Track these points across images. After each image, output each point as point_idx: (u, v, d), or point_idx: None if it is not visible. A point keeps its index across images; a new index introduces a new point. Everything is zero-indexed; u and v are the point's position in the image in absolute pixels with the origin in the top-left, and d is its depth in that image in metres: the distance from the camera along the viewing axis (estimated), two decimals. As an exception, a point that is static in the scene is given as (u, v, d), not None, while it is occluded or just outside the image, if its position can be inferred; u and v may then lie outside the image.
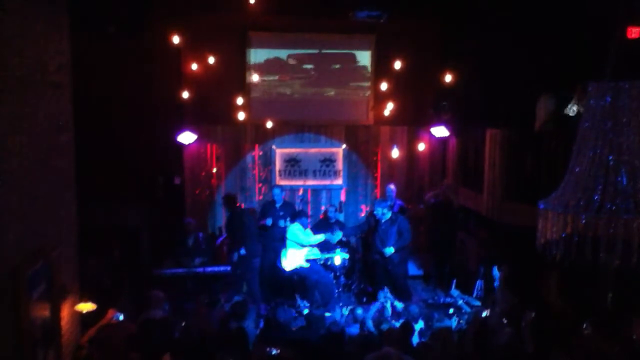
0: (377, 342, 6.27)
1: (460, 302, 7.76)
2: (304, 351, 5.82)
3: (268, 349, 5.16)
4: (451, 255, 9.24)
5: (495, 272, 7.33)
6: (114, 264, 7.44)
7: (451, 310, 7.80)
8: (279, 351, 5.10)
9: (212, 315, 6.53)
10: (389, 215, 8.37)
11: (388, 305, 7.79)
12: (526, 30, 7.96)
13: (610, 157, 4.09)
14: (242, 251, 8.17)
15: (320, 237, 8.57)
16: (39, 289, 4.56)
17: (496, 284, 7.24)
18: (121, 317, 5.87)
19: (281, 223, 8.68)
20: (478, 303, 7.89)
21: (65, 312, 5.20)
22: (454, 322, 7.27)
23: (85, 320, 5.76)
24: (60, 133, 5.16)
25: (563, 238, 4.08)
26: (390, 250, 8.28)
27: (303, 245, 8.48)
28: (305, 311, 7.62)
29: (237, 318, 6.42)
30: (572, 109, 6.82)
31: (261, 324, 7.41)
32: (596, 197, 3.96)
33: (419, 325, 6.96)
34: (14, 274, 4.09)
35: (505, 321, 6.05)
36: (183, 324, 6.37)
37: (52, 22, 5.01)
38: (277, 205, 8.89)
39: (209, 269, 8.22)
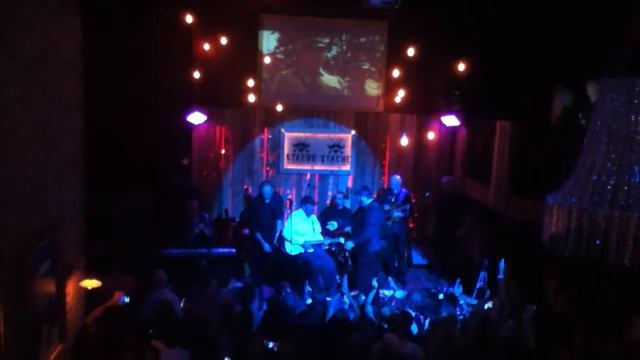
0: (377, 328, 6.31)
1: (462, 301, 7.76)
2: (307, 337, 5.87)
3: (266, 342, 5.20)
4: (455, 247, 9.22)
5: (502, 265, 7.31)
6: (119, 245, 7.47)
7: (440, 296, 7.75)
8: (277, 345, 5.14)
9: (217, 298, 6.57)
10: (367, 202, 8.41)
11: (389, 292, 7.83)
12: (540, 22, 7.86)
13: (623, 154, 4.05)
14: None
15: (316, 237, 8.66)
16: (44, 266, 4.60)
17: (500, 276, 7.21)
18: (127, 300, 5.91)
19: (279, 225, 8.69)
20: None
21: (70, 289, 5.25)
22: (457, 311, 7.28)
23: (91, 301, 5.80)
24: (69, 114, 5.17)
25: (571, 234, 4.07)
26: (349, 245, 8.37)
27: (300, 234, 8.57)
28: (308, 300, 7.66)
29: (243, 301, 6.47)
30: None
31: (264, 307, 7.46)
32: (607, 195, 3.93)
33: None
34: (19, 252, 4.12)
35: (507, 314, 6.06)
36: (185, 306, 6.43)
37: (63, 2, 4.99)
38: (267, 201, 8.77)
39: (214, 250, 8.24)
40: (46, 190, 4.66)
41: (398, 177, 9.30)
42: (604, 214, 3.94)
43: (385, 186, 9.90)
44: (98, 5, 6.93)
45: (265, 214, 8.60)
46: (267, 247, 8.58)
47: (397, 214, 8.88)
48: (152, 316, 5.89)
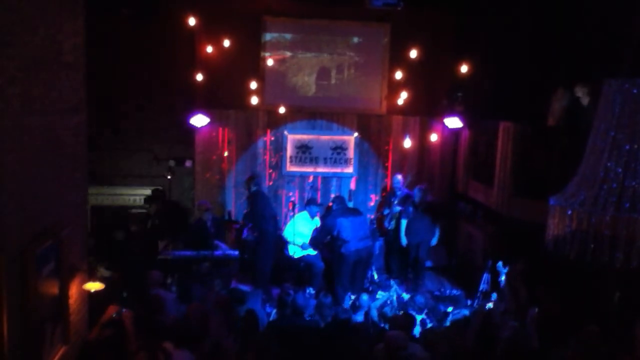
0: (379, 331, 6.29)
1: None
2: (312, 337, 5.86)
3: None
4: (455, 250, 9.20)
5: (500, 267, 7.29)
6: (121, 246, 7.47)
7: (450, 309, 7.71)
8: None
9: (217, 299, 6.55)
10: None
11: (394, 296, 7.79)
12: (542, 24, 7.85)
13: (629, 155, 4.03)
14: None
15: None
16: (47, 267, 4.59)
17: (502, 278, 7.19)
18: (124, 311, 5.80)
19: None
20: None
21: (73, 291, 5.24)
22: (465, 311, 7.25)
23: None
24: (72, 114, 5.17)
25: (577, 237, 4.04)
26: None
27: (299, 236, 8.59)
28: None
29: (238, 303, 6.45)
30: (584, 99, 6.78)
31: (268, 309, 7.44)
32: (613, 198, 3.90)
33: (422, 316, 6.99)
34: (23, 252, 4.12)
35: (509, 315, 6.04)
36: (187, 307, 6.39)
37: (67, 2, 5.00)
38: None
39: (217, 253, 8.23)
40: (49, 190, 4.66)
41: (399, 177, 9.26)
42: (610, 217, 3.91)
43: (388, 188, 9.90)
44: (102, 7, 6.95)
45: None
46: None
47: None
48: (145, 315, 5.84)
